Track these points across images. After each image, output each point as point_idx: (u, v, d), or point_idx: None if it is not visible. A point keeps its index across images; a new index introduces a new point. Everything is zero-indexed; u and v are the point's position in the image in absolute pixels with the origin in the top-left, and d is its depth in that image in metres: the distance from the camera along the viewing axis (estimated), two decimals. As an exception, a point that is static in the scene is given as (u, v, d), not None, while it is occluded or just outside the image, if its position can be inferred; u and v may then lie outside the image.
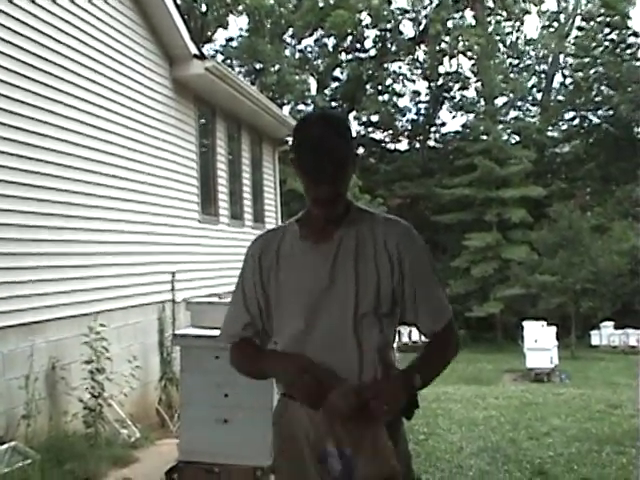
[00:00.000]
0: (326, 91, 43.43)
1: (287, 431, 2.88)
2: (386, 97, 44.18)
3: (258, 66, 40.29)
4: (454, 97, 44.89)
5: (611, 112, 40.45)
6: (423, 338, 2.99)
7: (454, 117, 52.48)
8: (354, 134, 3.02)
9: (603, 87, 41.60)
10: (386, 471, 2.68)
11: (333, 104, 43.06)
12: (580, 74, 41.91)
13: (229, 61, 39.50)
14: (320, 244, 2.84)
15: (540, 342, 20.87)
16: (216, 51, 40.83)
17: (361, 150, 40.34)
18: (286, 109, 37.65)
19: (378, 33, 43.62)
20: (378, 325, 2.80)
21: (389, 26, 43.27)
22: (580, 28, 42.83)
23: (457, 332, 3.02)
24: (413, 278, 2.83)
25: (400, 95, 44.69)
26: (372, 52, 44.24)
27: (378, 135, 44.49)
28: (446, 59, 43.85)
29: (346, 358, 2.78)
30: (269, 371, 3.00)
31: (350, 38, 43.40)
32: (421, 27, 43.21)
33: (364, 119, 43.02)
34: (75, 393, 8.70)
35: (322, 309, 2.79)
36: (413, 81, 44.95)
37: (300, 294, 2.83)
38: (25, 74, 8.52)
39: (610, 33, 41.02)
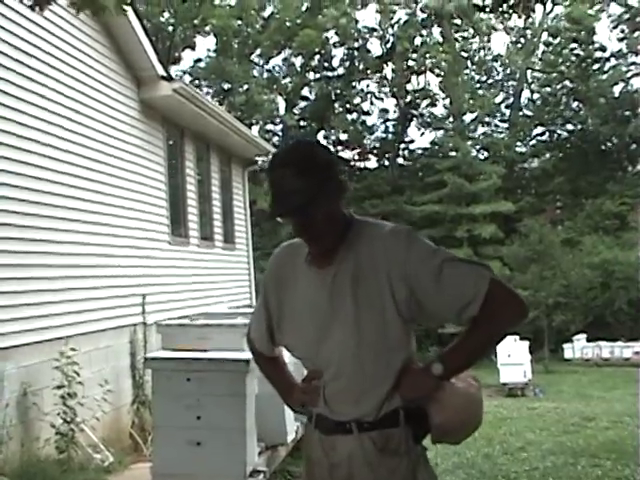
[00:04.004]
0: (295, 110, 43.40)
1: (306, 454, 3.02)
2: (355, 115, 44.21)
3: (226, 86, 40.25)
4: (422, 114, 44.91)
5: (579, 126, 40.70)
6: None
7: (423, 134, 52.40)
8: (329, 161, 2.84)
9: (571, 102, 41.87)
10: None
11: (302, 123, 43.09)
12: (548, 89, 42.15)
13: (197, 82, 39.41)
14: (321, 270, 2.81)
15: (513, 357, 20.83)
16: (184, 72, 40.72)
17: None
18: (255, 129, 37.59)
19: (346, 52, 43.69)
20: (384, 354, 2.74)
21: (356, 44, 43.37)
22: (547, 44, 43.06)
23: (504, 291, 3.02)
24: (425, 286, 2.71)
25: (368, 113, 44.78)
26: (340, 71, 44.25)
27: (347, 154, 44.41)
28: (414, 76, 43.93)
29: (347, 387, 2.78)
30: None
31: (318, 57, 43.44)
32: (388, 45, 43.29)
33: (333, 138, 42.96)
34: (47, 418, 8.62)
35: (326, 337, 2.78)
36: (381, 99, 44.99)
37: (304, 321, 2.85)
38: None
39: (577, 48, 41.30)
